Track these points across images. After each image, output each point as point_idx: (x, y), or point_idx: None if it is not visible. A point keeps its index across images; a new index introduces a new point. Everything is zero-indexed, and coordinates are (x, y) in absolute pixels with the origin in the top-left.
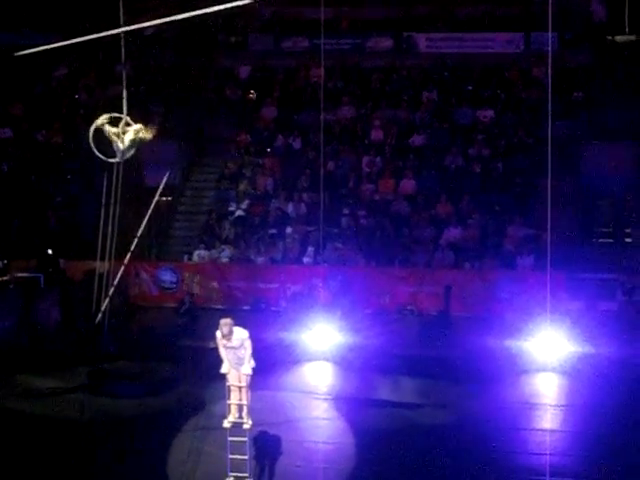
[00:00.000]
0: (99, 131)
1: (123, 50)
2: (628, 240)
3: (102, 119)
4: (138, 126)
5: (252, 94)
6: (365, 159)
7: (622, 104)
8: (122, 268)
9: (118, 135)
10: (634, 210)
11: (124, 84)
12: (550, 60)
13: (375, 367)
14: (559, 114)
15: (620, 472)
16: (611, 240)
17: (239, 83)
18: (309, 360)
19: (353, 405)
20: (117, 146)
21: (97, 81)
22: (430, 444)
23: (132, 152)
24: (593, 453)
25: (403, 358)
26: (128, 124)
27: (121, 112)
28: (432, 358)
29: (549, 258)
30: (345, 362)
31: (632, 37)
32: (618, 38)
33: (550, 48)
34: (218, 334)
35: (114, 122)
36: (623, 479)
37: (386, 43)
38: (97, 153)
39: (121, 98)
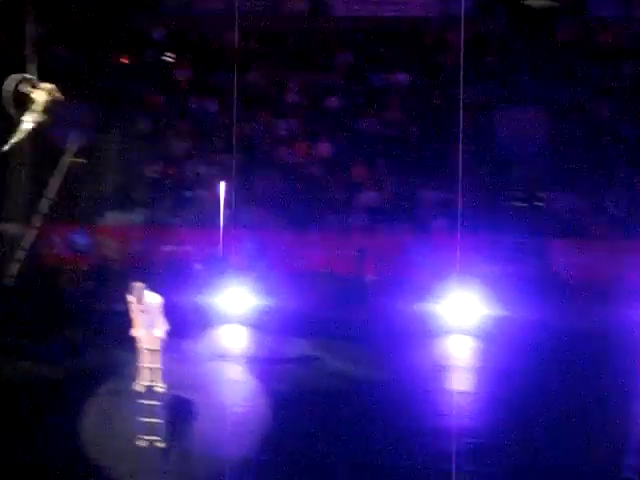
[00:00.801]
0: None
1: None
2: (541, 204)
3: (12, 80)
4: (50, 86)
5: (169, 56)
6: (280, 122)
7: (535, 69)
8: (34, 231)
9: (29, 96)
10: (547, 174)
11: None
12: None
13: (289, 330)
14: (473, 79)
15: (527, 434)
16: (524, 204)
17: (153, 44)
18: (223, 323)
19: (266, 367)
20: (29, 107)
21: (7, 42)
22: (340, 406)
23: (44, 114)
24: (502, 415)
25: (317, 321)
26: (38, 85)
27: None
28: (345, 321)
29: (459, 221)
30: (259, 325)
31: (547, 2)
32: (533, 3)
33: (462, 11)
34: (130, 298)
35: (25, 83)
36: (529, 441)
37: (301, 5)
38: (13, 114)
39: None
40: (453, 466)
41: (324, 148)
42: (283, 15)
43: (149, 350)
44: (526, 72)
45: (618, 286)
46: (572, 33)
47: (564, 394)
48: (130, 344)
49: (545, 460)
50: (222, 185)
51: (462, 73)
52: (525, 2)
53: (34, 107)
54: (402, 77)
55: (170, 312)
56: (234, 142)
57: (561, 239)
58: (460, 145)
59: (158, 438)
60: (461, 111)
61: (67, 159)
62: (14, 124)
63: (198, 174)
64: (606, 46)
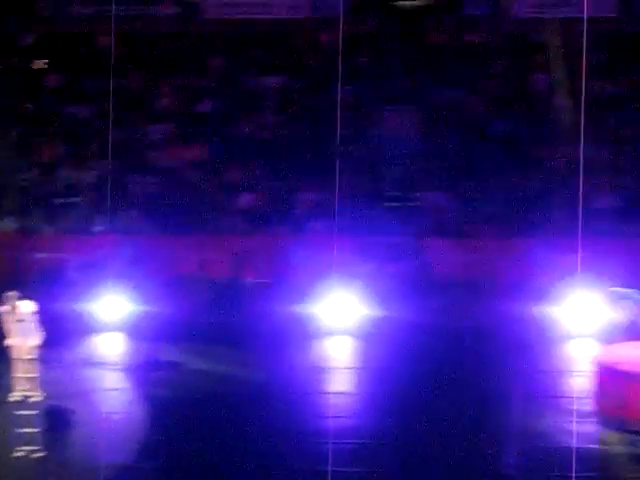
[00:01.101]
0: None
1: None
2: (416, 204)
3: None
4: None
5: (40, 63)
6: (154, 127)
7: (408, 69)
8: None
9: None
10: (421, 174)
11: None
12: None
13: (166, 335)
14: (347, 79)
15: (407, 434)
16: (399, 203)
17: (23, 49)
18: (100, 331)
19: (143, 374)
20: None
21: None
22: (220, 411)
23: None
24: (382, 414)
25: (194, 326)
26: None
27: None
28: (223, 325)
29: (336, 222)
30: (136, 332)
31: (414, 2)
32: (399, 4)
33: (342, 12)
34: (3, 307)
35: None
36: (409, 439)
37: (172, 9)
38: None
39: None
40: (329, 468)
41: (199, 152)
42: (156, 18)
43: (25, 359)
44: (399, 72)
45: (492, 283)
46: (443, 32)
47: (443, 393)
48: (4, 354)
49: (424, 460)
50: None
51: (340, 73)
52: (396, 3)
53: None
54: (275, 80)
55: (45, 320)
56: (109, 147)
57: (436, 238)
58: (337, 146)
59: (36, 448)
60: (338, 112)
61: None
62: None
63: (72, 180)
64: (476, 45)
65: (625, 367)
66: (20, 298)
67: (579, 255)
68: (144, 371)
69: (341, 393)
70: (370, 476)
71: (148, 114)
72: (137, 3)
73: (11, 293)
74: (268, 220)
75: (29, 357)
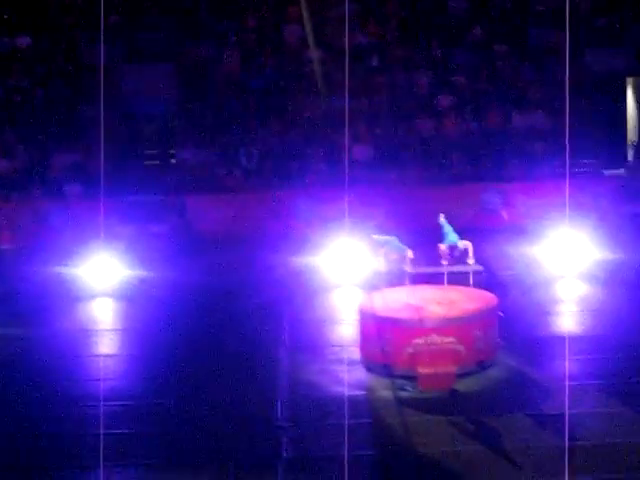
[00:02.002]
0: None
1: None
2: (174, 161)
3: None
4: None
5: None
6: None
7: (157, 25)
8: None
9: None
10: (178, 131)
11: None
12: None
13: None
14: (96, 38)
15: (173, 392)
16: (158, 162)
17: None
18: None
19: None
20: None
21: None
22: None
23: None
24: (148, 375)
25: None
26: None
27: None
28: None
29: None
30: None
31: None
32: None
33: None
34: None
35: None
36: (177, 399)
37: None
38: None
39: None
40: (100, 431)
41: None
42: None
43: None
44: (148, 28)
45: (256, 237)
46: None
47: (210, 351)
48: None
49: (192, 419)
50: None
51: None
52: None
53: None
54: (24, 40)
55: None
56: None
57: (198, 194)
58: (101, 106)
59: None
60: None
61: None
62: None
63: None
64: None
65: (387, 313)
66: None
67: (341, 204)
68: None
69: (107, 355)
70: (140, 437)
71: None
72: None
73: None
74: (25, 185)
75: None
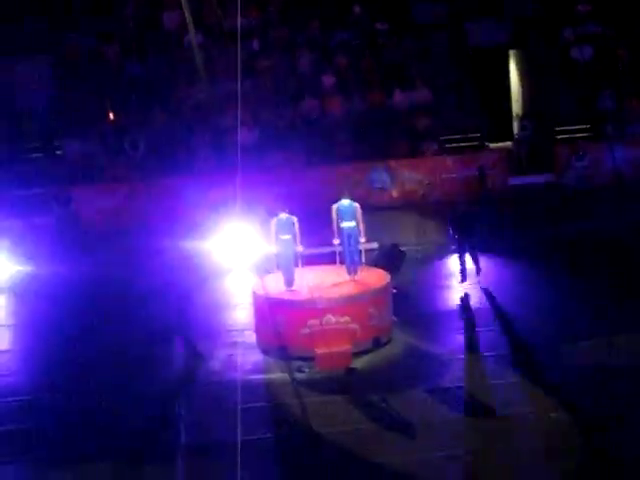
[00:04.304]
0: None
1: None
2: (58, 152)
3: None
4: None
5: None
6: None
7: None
8: None
9: None
10: (59, 122)
11: None
12: None
13: None
14: None
15: (65, 387)
16: (41, 154)
17: None
18: None
19: None
20: None
21: None
22: None
23: None
24: (39, 369)
25: None
26: None
27: None
28: None
29: None
30: None
31: None
32: None
33: None
34: None
35: None
36: (68, 394)
37: None
38: None
39: None
40: None
41: None
42: None
43: None
44: (30, 20)
45: (145, 226)
46: None
47: (103, 341)
48: None
49: (95, 412)
50: None
51: None
52: None
53: None
54: None
55: None
56: None
57: (83, 186)
58: None
59: None
60: None
61: None
62: None
63: None
64: None
65: (280, 296)
66: None
67: (228, 189)
68: None
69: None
70: (31, 432)
71: None
72: None
73: None
74: None
75: None
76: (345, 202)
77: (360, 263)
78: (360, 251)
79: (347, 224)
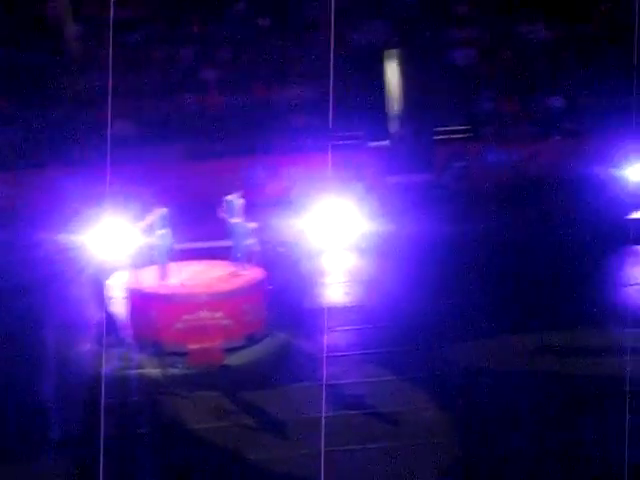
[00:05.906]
0: None
1: None
2: None
3: None
4: None
5: None
6: None
7: None
8: None
9: None
10: None
11: None
12: None
13: None
14: None
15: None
16: None
17: None
18: None
19: None
20: None
21: None
22: None
23: None
24: None
25: None
26: None
27: None
28: None
29: None
30: None
31: None
32: None
33: None
34: None
35: None
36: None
37: None
38: None
39: None
40: None
41: None
42: None
43: None
44: None
45: (19, 216)
46: None
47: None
48: None
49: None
50: None
51: None
52: None
53: None
54: None
55: None
56: None
57: None
58: None
59: None
60: None
61: None
62: None
63: None
64: None
65: (154, 290)
66: None
67: (105, 183)
68: None
69: None
70: None
71: None
72: None
73: None
74: None
75: None
76: (232, 198)
77: (245, 259)
78: (245, 247)
79: (234, 220)
